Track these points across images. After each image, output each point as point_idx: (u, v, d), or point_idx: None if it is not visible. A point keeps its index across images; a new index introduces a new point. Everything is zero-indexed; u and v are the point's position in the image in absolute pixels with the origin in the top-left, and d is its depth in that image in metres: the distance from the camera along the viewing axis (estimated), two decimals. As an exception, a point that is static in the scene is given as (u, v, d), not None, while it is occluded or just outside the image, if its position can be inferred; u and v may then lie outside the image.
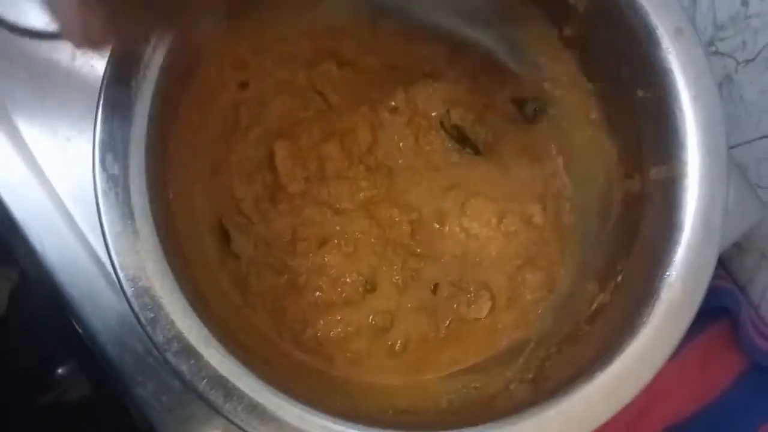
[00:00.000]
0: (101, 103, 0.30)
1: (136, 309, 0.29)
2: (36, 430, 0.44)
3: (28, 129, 0.41)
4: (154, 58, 0.31)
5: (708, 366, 0.51)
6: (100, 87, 0.30)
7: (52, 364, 0.44)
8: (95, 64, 0.41)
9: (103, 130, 0.29)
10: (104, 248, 0.39)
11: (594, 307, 0.36)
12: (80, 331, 0.41)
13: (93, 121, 0.40)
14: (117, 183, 0.29)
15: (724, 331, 0.51)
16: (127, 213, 0.29)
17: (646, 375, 0.31)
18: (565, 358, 0.35)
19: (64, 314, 0.41)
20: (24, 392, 0.44)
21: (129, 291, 0.29)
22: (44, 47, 0.41)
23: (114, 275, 0.29)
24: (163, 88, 0.30)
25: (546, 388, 0.32)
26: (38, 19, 0.41)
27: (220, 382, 0.29)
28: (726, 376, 0.51)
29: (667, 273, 0.32)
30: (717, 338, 0.50)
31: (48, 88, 0.41)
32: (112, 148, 0.29)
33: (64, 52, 0.41)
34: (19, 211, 0.40)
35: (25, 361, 0.45)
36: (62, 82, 0.41)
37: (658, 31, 0.33)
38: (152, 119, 0.30)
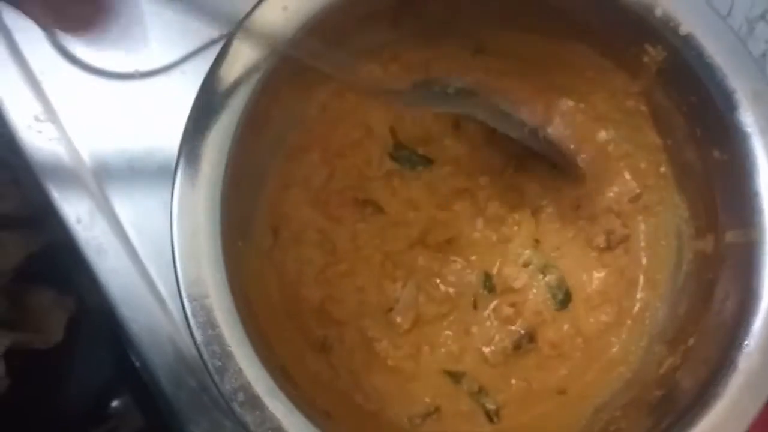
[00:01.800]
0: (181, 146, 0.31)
1: (206, 357, 0.29)
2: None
3: (95, 163, 0.42)
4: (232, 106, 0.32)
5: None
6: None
7: (106, 397, 0.45)
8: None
9: (182, 180, 0.30)
10: (165, 282, 0.40)
11: (663, 370, 0.35)
12: (137, 364, 0.41)
13: (157, 154, 0.42)
14: (194, 231, 0.30)
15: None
16: (200, 260, 0.30)
17: (722, 449, 0.29)
18: (633, 424, 0.34)
19: (121, 346, 0.41)
20: (78, 423, 0.45)
21: (199, 338, 0.29)
22: (123, 88, 0.42)
23: (185, 320, 0.30)
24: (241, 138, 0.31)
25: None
26: (116, 61, 0.42)
27: (283, 435, 0.29)
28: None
29: (745, 342, 0.31)
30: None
31: (115, 120, 0.42)
32: (190, 197, 0.30)
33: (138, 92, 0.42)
34: (83, 242, 0.41)
35: (79, 391, 0.46)
36: (134, 119, 0.42)
37: (736, 95, 0.32)
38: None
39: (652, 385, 0.36)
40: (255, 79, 0.31)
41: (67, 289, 0.48)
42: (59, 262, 0.45)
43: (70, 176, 0.41)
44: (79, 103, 0.42)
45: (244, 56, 0.32)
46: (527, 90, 0.42)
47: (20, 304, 0.46)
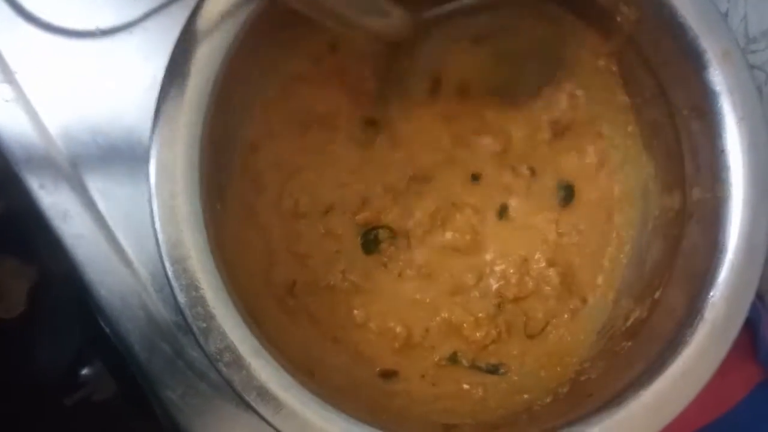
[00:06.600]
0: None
1: (189, 319, 0.29)
2: (62, 430, 0.44)
3: (57, 125, 0.40)
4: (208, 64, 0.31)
5: (724, 375, 0.51)
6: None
7: (77, 364, 0.44)
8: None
9: (160, 143, 0.29)
10: (134, 246, 0.40)
11: (629, 322, 0.37)
12: (108, 331, 0.40)
13: (122, 115, 0.40)
14: (173, 194, 0.29)
15: (743, 341, 0.51)
16: (180, 223, 0.29)
17: (690, 393, 0.31)
18: (602, 373, 0.35)
19: (90, 314, 0.40)
20: (49, 392, 0.44)
21: (182, 300, 0.29)
22: (83, 46, 0.40)
23: (167, 283, 0.29)
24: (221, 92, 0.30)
25: (588, 404, 0.32)
26: (75, 18, 0.40)
27: (269, 393, 0.29)
28: (742, 387, 0.52)
29: (711, 293, 0.32)
30: (735, 348, 0.50)
31: (76, 81, 0.41)
32: (168, 167, 0.29)
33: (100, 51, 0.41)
34: (47, 208, 0.40)
35: (48, 359, 0.45)
36: (96, 80, 0.41)
37: (706, 55, 0.33)
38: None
39: (619, 336, 0.37)
40: (233, 34, 0.30)
41: (29, 258, 0.46)
42: (20, 229, 0.44)
43: (30, 140, 0.40)
44: (38, 62, 0.40)
45: (220, 9, 0.31)
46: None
47: (-21, 274, 0.45)
